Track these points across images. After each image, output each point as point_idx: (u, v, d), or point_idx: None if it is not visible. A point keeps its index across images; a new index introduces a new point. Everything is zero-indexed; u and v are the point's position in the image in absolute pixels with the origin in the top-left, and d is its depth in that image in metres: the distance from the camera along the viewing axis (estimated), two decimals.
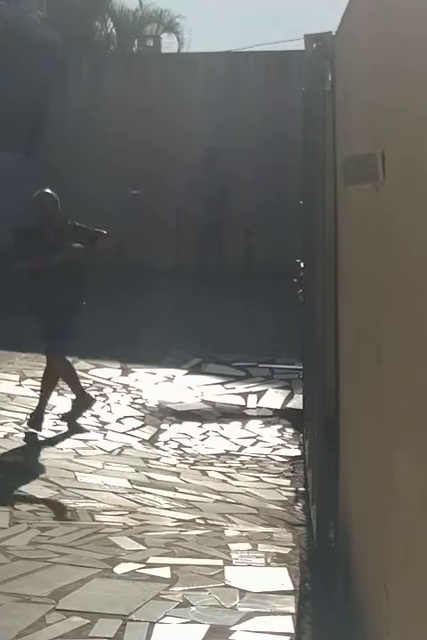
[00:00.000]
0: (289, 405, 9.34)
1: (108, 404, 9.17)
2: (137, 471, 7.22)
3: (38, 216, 8.23)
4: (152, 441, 8.37)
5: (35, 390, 9.30)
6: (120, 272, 16.02)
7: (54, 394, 9.28)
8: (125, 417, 8.88)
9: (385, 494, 3.00)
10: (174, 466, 7.61)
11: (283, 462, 7.85)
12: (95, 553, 5.10)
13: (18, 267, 8.25)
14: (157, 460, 7.76)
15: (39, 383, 8.69)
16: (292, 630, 4.20)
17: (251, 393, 9.72)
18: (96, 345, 11.12)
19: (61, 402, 9.05)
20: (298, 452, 8.00)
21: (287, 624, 4.26)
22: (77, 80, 18.21)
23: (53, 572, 4.78)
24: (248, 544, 5.38)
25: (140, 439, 8.36)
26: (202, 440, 8.48)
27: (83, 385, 8.87)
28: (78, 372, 10.05)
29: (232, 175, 16.50)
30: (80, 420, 8.55)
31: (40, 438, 7.99)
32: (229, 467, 7.67)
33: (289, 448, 8.26)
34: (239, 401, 9.54)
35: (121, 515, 6.00)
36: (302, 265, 7.19)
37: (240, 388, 9.89)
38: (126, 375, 10.22)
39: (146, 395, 9.59)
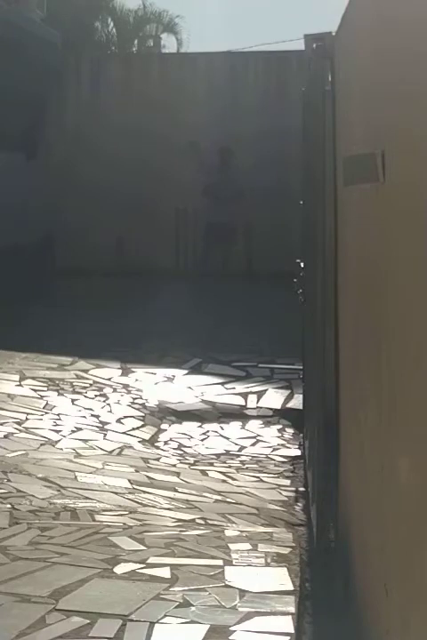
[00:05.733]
0: (289, 405, 9.34)
1: (108, 404, 9.17)
2: (137, 471, 7.22)
3: None
4: (152, 441, 8.37)
5: (35, 390, 9.30)
6: (120, 272, 16.03)
7: (54, 394, 9.28)
8: (125, 417, 8.88)
9: (385, 494, 3.00)
10: (174, 466, 7.60)
11: (283, 462, 7.85)
12: (95, 553, 5.09)
13: None
14: (157, 459, 7.76)
15: (39, 383, 8.68)
16: (292, 630, 4.19)
17: (251, 393, 9.72)
18: (96, 345, 11.13)
19: (61, 402, 9.05)
20: (298, 452, 8.00)
21: (287, 624, 4.25)
22: (77, 79, 18.22)
23: (53, 572, 4.78)
24: (248, 544, 5.38)
25: (140, 439, 8.36)
26: (202, 440, 8.48)
27: (81, 385, 8.86)
28: (78, 372, 10.07)
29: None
30: (80, 420, 8.55)
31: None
32: (229, 467, 7.67)
33: (289, 448, 8.26)
34: (239, 401, 9.54)
35: (121, 515, 5.99)
36: (301, 265, 7.19)
37: (240, 388, 9.89)
38: (126, 375, 10.22)
39: (146, 395, 9.59)
